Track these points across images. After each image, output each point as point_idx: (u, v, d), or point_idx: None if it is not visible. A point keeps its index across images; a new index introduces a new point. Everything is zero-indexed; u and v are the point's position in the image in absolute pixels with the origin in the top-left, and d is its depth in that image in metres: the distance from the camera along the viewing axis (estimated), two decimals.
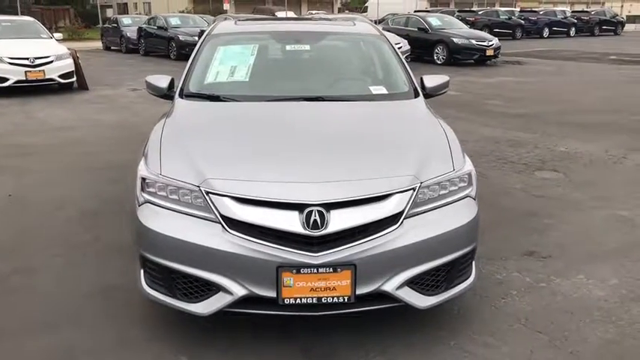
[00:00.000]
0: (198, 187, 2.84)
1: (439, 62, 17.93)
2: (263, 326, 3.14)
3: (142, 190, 3.00)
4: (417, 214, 2.90)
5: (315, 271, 2.68)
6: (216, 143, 3.24)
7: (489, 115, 9.63)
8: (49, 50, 11.94)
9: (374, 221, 2.78)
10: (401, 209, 2.84)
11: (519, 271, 3.90)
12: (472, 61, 17.95)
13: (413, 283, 2.89)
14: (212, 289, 2.81)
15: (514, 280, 3.78)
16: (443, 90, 4.38)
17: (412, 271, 2.85)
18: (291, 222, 2.71)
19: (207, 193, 2.81)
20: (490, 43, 17.89)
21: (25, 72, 11.43)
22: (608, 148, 7.27)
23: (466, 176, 3.13)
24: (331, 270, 2.69)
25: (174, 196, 2.89)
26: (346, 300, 2.74)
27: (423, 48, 18.24)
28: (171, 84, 4.14)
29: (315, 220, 2.70)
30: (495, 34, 22.59)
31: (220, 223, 2.77)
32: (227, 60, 4.22)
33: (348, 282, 2.72)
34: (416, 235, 2.84)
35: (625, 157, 6.88)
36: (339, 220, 2.74)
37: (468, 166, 3.20)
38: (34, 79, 11.53)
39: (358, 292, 2.77)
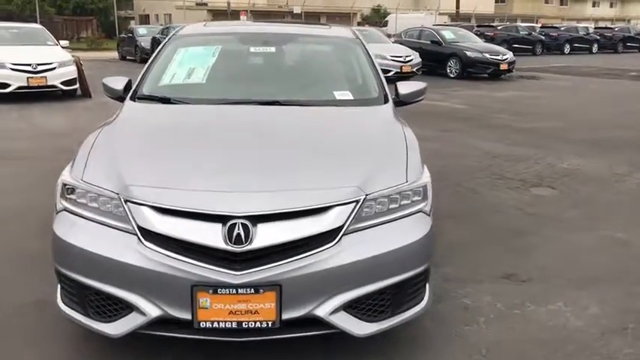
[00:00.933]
0: (118, 194, 2.58)
1: (452, 76, 17.58)
2: (191, 347, 2.85)
3: (61, 196, 2.75)
4: (361, 230, 2.59)
5: (235, 291, 2.39)
6: (148, 148, 2.98)
7: (493, 129, 9.26)
8: (52, 57, 11.87)
9: (307, 237, 2.48)
10: (339, 224, 2.54)
11: (492, 295, 3.56)
12: (486, 75, 17.56)
13: (351, 307, 2.58)
14: (125, 308, 2.53)
15: (484, 305, 3.43)
16: (418, 97, 4.08)
17: (350, 294, 2.54)
18: (212, 236, 2.43)
19: (126, 201, 2.55)
20: (504, 57, 17.50)
21: (27, 78, 11.35)
22: (613, 165, 6.86)
23: (420, 189, 2.81)
24: (253, 291, 2.39)
25: (95, 204, 2.63)
26: (270, 325, 2.44)
27: (436, 61, 17.91)
28: (128, 86, 3.90)
29: (238, 235, 2.41)
30: (514, 50, 22.22)
31: (137, 235, 2.49)
32: (187, 62, 3.98)
33: (272, 305, 2.42)
34: (355, 253, 2.53)
35: (630, 174, 6.47)
36: (266, 235, 2.44)
37: (425, 178, 2.88)
38: (36, 85, 11.45)
39: (285, 316, 2.46)
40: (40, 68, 11.47)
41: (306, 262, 2.46)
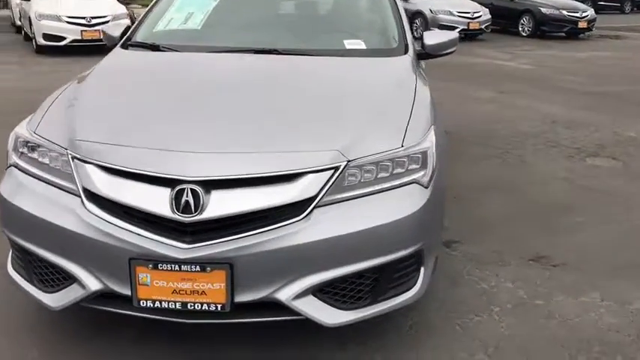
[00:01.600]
0: (66, 150, 2.28)
1: (524, 34, 16.36)
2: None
3: (13, 150, 2.48)
4: (340, 202, 2.18)
5: (177, 268, 2.05)
6: (111, 100, 2.66)
7: (559, 92, 8.43)
8: (107, 10, 11.83)
9: (269, 208, 2.10)
10: (311, 195, 2.14)
11: (516, 280, 3.07)
12: (562, 34, 16.24)
13: (322, 292, 2.19)
14: (68, 278, 2.25)
15: (503, 292, 2.95)
16: (448, 49, 3.55)
17: (320, 276, 2.15)
18: (158, 202, 2.09)
19: (73, 158, 2.24)
20: (584, 15, 16.09)
21: (81, 31, 11.37)
22: None
23: (419, 156, 2.35)
24: (198, 269, 2.04)
25: (45, 160, 2.35)
26: (219, 309, 2.09)
27: (507, 18, 16.70)
28: (126, 33, 3.59)
29: (187, 202, 2.05)
30: (600, 7, 20.51)
31: (80, 197, 2.19)
32: (186, 6, 3.62)
33: (221, 286, 2.06)
34: (329, 229, 2.13)
35: None
36: (220, 204, 2.08)
37: (426, 143, 2.41)
38: (90, 38, 11.44)
39: (239, 299, 2.11)
40: (94, 22, 11.44)
41: (266, 238, 2.08)
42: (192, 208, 2.05)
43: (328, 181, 2.16)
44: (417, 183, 2.31)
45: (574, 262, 3.30)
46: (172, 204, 2.06)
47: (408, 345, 2.52)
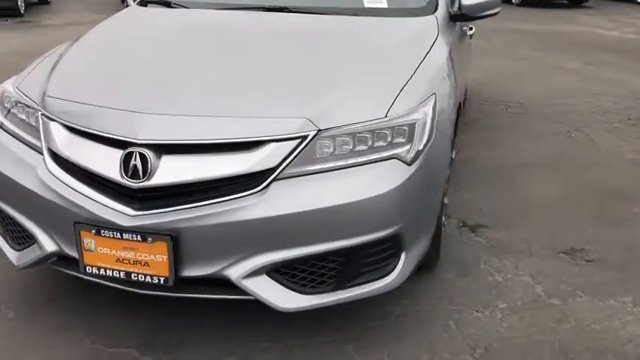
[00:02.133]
0: (38, 105, 2.22)
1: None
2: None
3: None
4: (307, 175, 1.97)
5: (119, 236, 1.93)
6: (101, 57, 2.58)
7: None
8: None
9: (223, 178, 1.93)
10: (271, 165, 1.94)
11: (536, 274, 2.72)
12: None
13: (279, 272, 2.00)
14: (31, 238, 2.21)
15: (517, 287, 2.63)
16: (489, 11, 3.16)
17: (275, 255, 1.96)
18: (109, 164, 1.98)
19: (42, 114, 2.18)
20: None
21: None
22: None
23: (405, 128, 2.08)
24: (139, 238, 1.92)
25: (23, 116, 2.31)
26: (162, 282, 1.96)
27: None
28: None
29: (135, 166, 1.92)
30: None
31: (43, 156, 2.13)
32: None
33: (164, 258, 1.93)
34: (287, 204, 1.93)
35: None
36: (170, 171, 1.93)
37: (417, 114, 2.13)
38: None
39: (185, 273, 1.97)
40: None
41: (216, 210, 1.91)
42: (140, 173, 1.92)
43: (293, 151, 1.95)
44: (397, 159, 2.04)
45: (614, 259, 2.88)
46: (121, 168, 1.94)
47: (388, 337, 2.28)
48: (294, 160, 1.96)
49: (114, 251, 1.96)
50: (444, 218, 2.88)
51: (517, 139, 4.64)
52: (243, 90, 2.16)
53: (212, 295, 2.04)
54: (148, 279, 1.96)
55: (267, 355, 2.17)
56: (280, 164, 1.94)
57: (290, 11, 2.91)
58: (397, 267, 2.13)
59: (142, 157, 1.92)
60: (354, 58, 2.43)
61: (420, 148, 2.11)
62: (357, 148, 2.03)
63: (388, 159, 2.04)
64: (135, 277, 1.97)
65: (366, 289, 2.08)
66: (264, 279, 1.99)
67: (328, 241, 1.97)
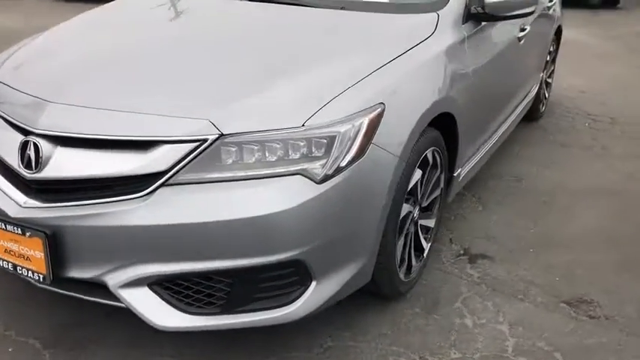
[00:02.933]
0: None
1: None
2: None
3: None
4: (205, 183, 1.79)
5: (3, 226, 1.88)
6: (57, 43, 2.54)
7: None
8: None
9: (110, 177, 1.81)
10: (159, 169, 1.78)
11: (516, 325, 2.31)
12: None
13: (163, 286, 1.84)
14: None
15: (484, 335, 2.24)
16: (519, 10, 2.74)
17: (157, 267, 1.80)
18: (13, 151, 1.94)
19: None
20: None
21: None
22: None
23: (324, 140, 1.82)
24: (20, 231, 1.85)
25: None
26: (41, 279, 1.88)
27: None
28: None
29: (29, 156, 1.86)
30: None
31: None
32: None
33: (41, 255, 1.84)
34: (171, 214, 1.76)
35: None
36: (62, 164, 1.85)
37: (343, 125, 1.86)
38: None
39: (67, 273, 1.87)
40: None
41: (97, 211, 1.79)
42: (33, 163, 1.85)
43: (188, 155, 1.78)
44: (303, 175, 1.79)
45: (626, 318, 2.37)
46: (19, 156, 1.89)
47: None
48: (189, 166, 1.78)
49: (2, 241, 1.91)
50: (427, 244, 2.56)
51: (586, 161, 4.04)
52: (158, 86, 2.01)
53: (94, 299, 1.92)
54: (30, 274, 1.89)
55: None
56: (172, 168, 1.77)
57: (277, 2, 2.70)
58: (302, 297, 1.88)
59: (35, 147, 1.85)
60: (304, 58, 2.18)
61: (342, 164, 1.84)
62: (266, 159, 1.81)
63: (294, 174, 1.79)
64: (20, 270, 1.91)
65: (260, 317, 1.86)
66: (145, 291, 1.83)
67: (214, 259, 1.78)
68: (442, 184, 2.60)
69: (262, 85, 1.96)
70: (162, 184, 1.77)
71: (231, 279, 1.82)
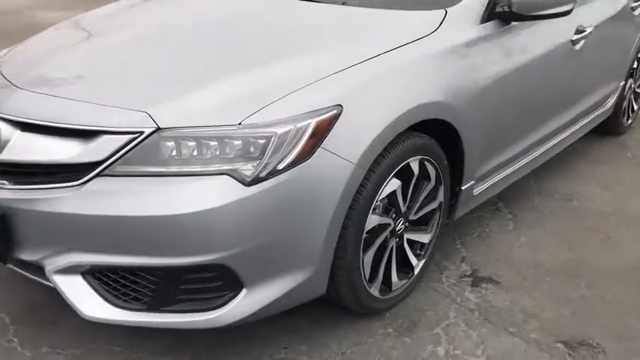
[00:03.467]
0: None
1: None
2: None
3: None
4: (141, 176, 1.78)
5: None
6: (60, 33, 2.63)
7: None
8: None
9: (55, 164, 1.84)
10: (97, 158, 1.79)
11: (495, 357, 2.06)
12: None
13: (94, 276, 1.85)
14: None
15: None
16: (552, 9, 2.46)
17: (89, 256, 1.81)
18: None
19: None
20: None
21: None
22: None
23: (260, 142, 1.73)
24: None
25: None
26: None
27: None
28: None
29: None
30: None
31: None
32: None
33: None
34: (100, 205, 1.76)
35: None
36: (21, 148, 1.91)
37: (284, 126, 1.76)
38: None
39: (19, 255, 1.91)
40: None
41: (39, 196, 1.83)
42: None
43: (124, 147, 1.77)
44: (230, 175, 1.71)
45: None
46: None
47: None
48: (124, 158, 1.77)
49: None
50: (420, 261, 2.37)
51: None
52: (109, 77, 2.03)
53: (41, 281, 1.95)
54: None
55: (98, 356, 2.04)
56: (107, 159, 1.77)
57: None
58: (230, 303, 1.81)
59: None
60: (272, 53, 2.08)
61: (279, 167, 1.74)
62: (202, 156, 1.75)
63: (221, 174, 1.71)
64: None
65: (184, 320, 1.81)
66: (78, 279, 1.85)
67: (137, 255, 1.75)
68: (441, 198, 2.38)
69: (212, 81, 1.90)
70: (98, 175, 1.77)
71: (155, 277, 1.78)
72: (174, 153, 1.75)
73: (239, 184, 1.70)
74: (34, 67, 2.17)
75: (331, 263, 1.97)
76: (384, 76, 2.02)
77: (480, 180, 2.61)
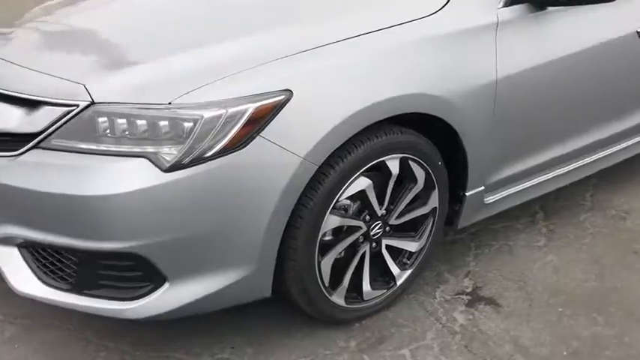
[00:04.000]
0: None
1: None
2: None
3: None
4: (76, 152, 1.70)
5: None
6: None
7: None
8: None
9: (3, 133, 1.81)
10: (35, 130, 1.73)
11: None
12: None
13: (28, 250, 1.81)
14: None
15: None
16: None
17: (20, 230, 1.77)
18: None
19: None
20: None
21: None
22: None
23: (188, 124, 1.59)
24: None
25: None
26: None
27: None
28: None
29: None
30: None
31: None
32: None
33: None
34: (29, 178, 1.71)
35: None
36: None
37: (215, 110, 1.61)
38: None
39: None
40: None
41: None
42: None
43: (60, 120, 1.70)
44: (148, 159, 1.58)
45: None
46: None
47: None
48: (61, 131, 1.69)
49: None
50: (406, 271, 2.13)
51: None
52: (60, 48, 2.00)
53: None
54: None
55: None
56: (44, 131, 1.70)
57: None
58: (150, 296, 1.69)
59: None
60: (233, 29, 1.93)
61: (207, 154, 1.58)
62: (133, 135, 1.64)
63: (141, 157, 1.59)
64: None
65: (104, 306, 1.72)
66: (14, 252, 1.81)
67: (58, 233, 1.68)
68: (435, 203, 2.11)
69: (155, 57, 1.77)
70: (34, 147, 1.71)
71: (77, 258, 1.70)
72: (107, 130, 1.65)
73: (156, 169, 1.57)
74: (6, 35, 2.16)
75: (277, 263, 1.79)
76: (351, 61, 1.79)
77: (494, 188, 2.29)
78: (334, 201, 1.82)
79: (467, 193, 2.19)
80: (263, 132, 1.62)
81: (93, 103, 1.65)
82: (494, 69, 2.04)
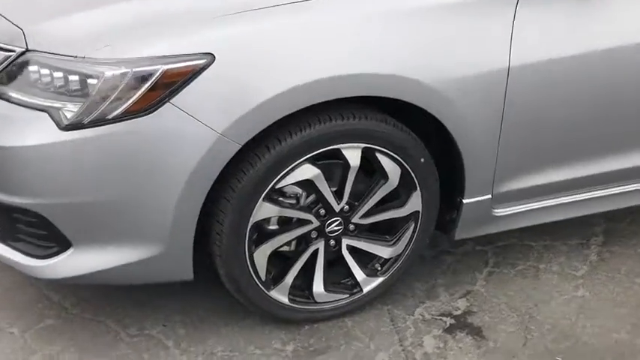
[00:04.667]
0: None
1: None
2: None
3: None
4: (10, 101, 1.66)
5: None
6: None
7: None
8: None
9: None
10: None
11: None
12: None
13: None
14: None
15: None
16: None
17: None
18: None
19: None
20: None
21: None
22: None
23: (91, 81, 1.47)
24: None
25: None
26: None
27: None
28: None
29: None
30: None
31: None
32: None
33: None
34: None
35: None
36: None
37: (111, 67, 1.46)
38: None
39: None
40: None
41: None
42: None
43: (1, 63, 1.66)
44: (49, 114, 1.48)
45: None
46: None
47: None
48: (6, 77, 1.65)
49: None
50: (376, 279, 1.90)
51: None
52: None
53: None
54: None
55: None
56: None
57: None
58: (54, 258, 1.61)
59: None
60: None
61: (108, 116, 1.45)
62: (54, 87, 1.55)
63: (43, 110, 1.50)
64: None
65: (17, 259, 1.67)
66: None
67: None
68: (417, 207, 1.80)
69: (95, 6, 1.63)
70: None
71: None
72: (38, 80, 1.57)
73: (54, 126, 1.46)
74: None
75: (205, 247, 1.63)
76: (293, 29, 1.51)
77: (508, 199, 1.90)
78: (268, 187, 1.59)
79: (464, 200, 1.83)
80: (174, 98, 1.44)
81: (27, 50, 1.58)
82: (506, 55, 1.65)
